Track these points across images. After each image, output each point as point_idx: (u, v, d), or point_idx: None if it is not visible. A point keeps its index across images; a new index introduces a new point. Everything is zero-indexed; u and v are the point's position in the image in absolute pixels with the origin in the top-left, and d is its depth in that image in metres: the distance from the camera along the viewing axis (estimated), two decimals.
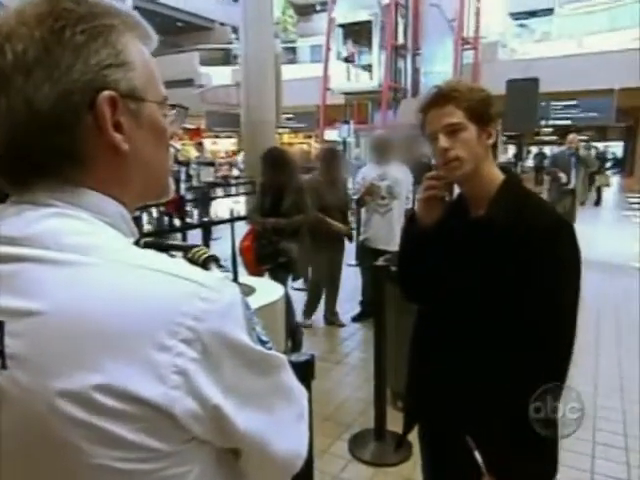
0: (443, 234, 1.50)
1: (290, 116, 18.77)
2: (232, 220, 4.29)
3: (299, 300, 5.29)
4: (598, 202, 15.47)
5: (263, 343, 0.64)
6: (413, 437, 1.77)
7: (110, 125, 0.60)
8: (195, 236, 5.06)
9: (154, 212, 8.73)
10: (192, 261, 0.63)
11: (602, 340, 4.63)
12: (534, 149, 23.45)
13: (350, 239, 5.21)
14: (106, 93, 0.59)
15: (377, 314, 3.15)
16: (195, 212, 10.65)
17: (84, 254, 0.56)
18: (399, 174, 4.87)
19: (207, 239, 4.75)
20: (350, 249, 5.45)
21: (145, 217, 8.22)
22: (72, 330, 0.53)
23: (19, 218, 0.59)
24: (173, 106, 0.72)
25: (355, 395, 3.74)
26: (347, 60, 14.92)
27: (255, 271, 4.26)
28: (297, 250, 4.29)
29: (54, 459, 0.55)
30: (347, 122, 14.12)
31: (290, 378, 0.69)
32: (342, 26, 15.10)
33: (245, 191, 9.15)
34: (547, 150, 20.10)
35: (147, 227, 8.05)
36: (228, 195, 11.15)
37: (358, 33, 15.00)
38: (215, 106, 16.86)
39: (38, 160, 0.59)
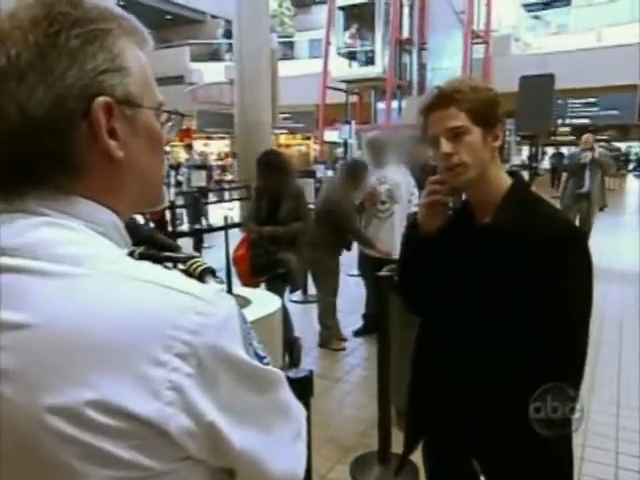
0: (447, 241, 1.52)
1: (287, 116, 18.84)
2: (226, 227, 4.30)
3: (297, 313, 5.31)
4: (602, 208, 15.43)
5: (260, 358, 0.66)
6: (419, 459, 1.79)
7: (105, 131, 0.62)
8: (186, 244, 5.07)
9: (141, 220, 8.76)
10: (188, 273, 0.65)
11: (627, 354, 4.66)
12: (550, 150, 23.50)
13: (349, 248, 5.22)
14: (101, 99, 0.61)
15: (380, 327, 3.16)
16: (185, 219, 10.66)
17: (76, 265, 0.58)
18: (399, 177, 4.88)
19: (199, 248, 4.77)
20: (352, 258, 5.47)
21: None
22: (63, 344, 0.55)
23: (9, 227, 0.61)
24: (169, 112, 0.74)
25: (357, 415, 3.75)
26: (349, 45, 14.92)
27: (250, 282, 4.26)
28: (295, 261, 4.31)
29: (43, 477, 0.57)
30: (348, 122, 14.17)
31: (288, 395, 0.71)
32: (343, 9, 15.13)
33: (239, 196, 9.17)
34: (565, 150, 20.12)
35: None
36: (219, 201, 11.18)
37: (360, 16, 15.03)
38: (207, 105, 16.92)
39: (30, 167, 0.61)
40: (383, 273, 3.41)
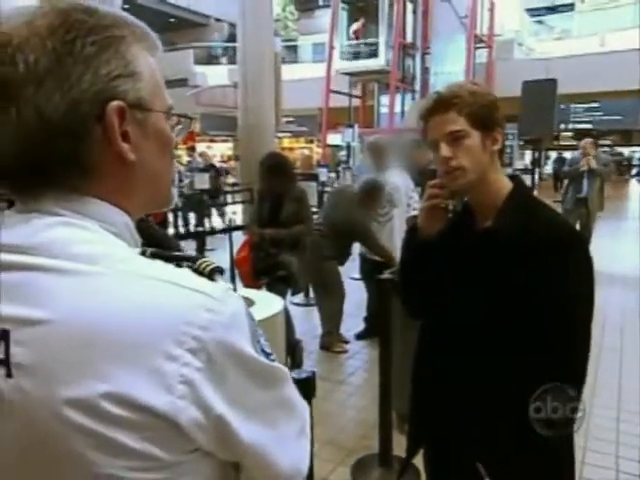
0: (448, 244, 1.53)
1: (290, 119, 18.87)
2: (229, 230, 4.33)
3: (299, 316, 5.32)
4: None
5: (267, 355, 0.68)
6: (420, 462, 1.80)
7: (118, 135, 0.65)
8: (189, 247, 5.09)
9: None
10: (198, 272, 0.67)
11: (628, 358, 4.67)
12: (553, 154, 23.50)
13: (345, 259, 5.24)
14: (115, 103, 0.64)
15: (382, 330, 3.17)
16: (181, 222, 10.68)
17: (91, 263, 0.60)
18: (398, 180, 4.89)
19: (201, 250, 4.79)
20: (354, 261, 5.49)
21: None
22: (79, 339, 0.57)
23: (25, 227, 0.63)
24: (179, 115, 0.77)
25: (359, 417, 3.76)
26: (354, 36, 14.91)
27: (251, 284, 4.28)
28: (297, 263, 4.32)
29: (58, 468, 0.59)
30: (351, 126, 14.20)
31: (293, 392, 0.73)
32: (347, 3, 15.10)
33: (242, 199, 9.19)
34: (568, 155, 20.16)
35: None
36: (220, 204, 11.18)
37: (364, 11, 15.04)
38: (210, 108, 16.96)
39: (46, 169, 0.64)
40: (384, 276, 3.42)
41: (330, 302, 5.02)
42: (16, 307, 0.59)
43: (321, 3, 28.60)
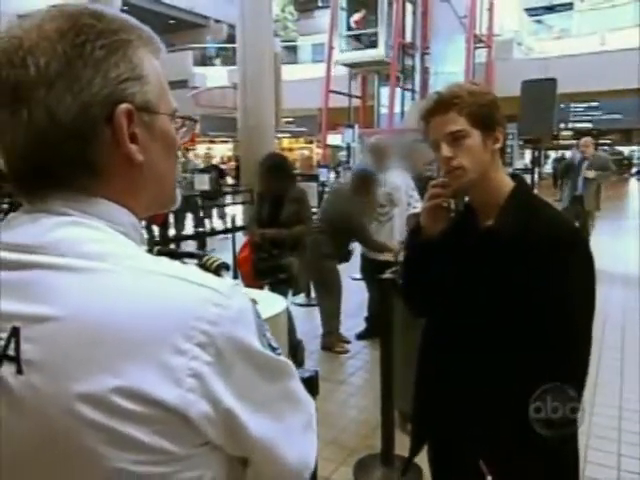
0: (450, 243, 1.54)
1: (290, 120, 18.89)
2: (232, 230, 4.34)
3: (300, 316, 5.33)
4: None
5: (273, 349, 0.69)
6: (422, 462, 1.81)
7: (127, 137, 0.66)
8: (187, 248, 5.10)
9: (142, 223, 8.78)
10: (205, 268, 0.69)
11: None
12: (553, 154, 23.52)
13: (347, 259, 5.24)
14: (123, 106, 0.65)
15: (384, 330, 3.18)
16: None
17: (100, 261, 0.61)
18: (397, 180, 4.91)
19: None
20: (355, 261, 5.49)
21: None
22: (89, 335, 0.58)
23: (34, 226, 0.64)
24: (183, 117, 0.78)
25: (360, 417, 3.77)
26: (355, 25, 14.85)
27: (252, 284, 4.29)
28: (297, 265, 4.33)
29: (69, 463, 0.60)
30: (351, 126, 14.20)
31: (299, 386, 0.74)
32: None
33: (242, 200, 9.19)
34: (568, 154, 20.18)
35: None
36: (220, 205, 11.17)
37: (364, 3, 14.96)
38: (210, 109, 16.97)
39: (55, 170, 0.65)
40: (386, 276, 3.43)
41: (329, 301, 5.04)
42: (26, 305, 0.60)
43: (320, 4, 28.62)
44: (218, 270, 0.69)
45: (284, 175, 4.37)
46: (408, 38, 15.43)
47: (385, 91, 15.68)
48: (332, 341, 4.99)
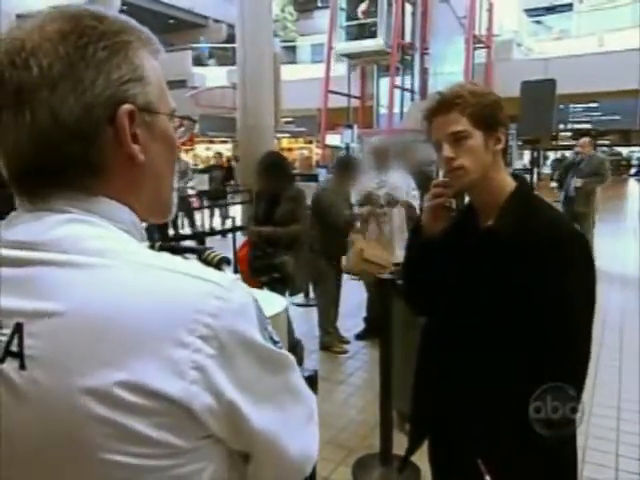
0: (451, 242, 1.55)
1: (289, 120, 18.88)
2: (233, 230, 4.34)
3: (298, 316, 5.33)
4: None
5: (274, 342, 0.70)
6: (420, 461, 1.81)
7: (129, 137, 0.67)
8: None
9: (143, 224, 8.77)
10: (206, 262, 0.69)
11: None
12: (552, 154, 23.53)
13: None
14: (126, 107, 0.66)
15: (383, 331, 3.18)
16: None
17: (101, 256, 0.62)
18: (397, 180, 4.92)
19: None
20: None
21: None
22: (92, 329, 0.59)
23: (36, 224, 0.65)
24: (182, 118, 0.79)
25: (359, 417, 3.78)
26: (362, 16, 14.76)
27: (250, 283, 4.28)
28: (294, 264, 4.33)
29: (73, 457, 0.60)
30: (350, 126, 14.19)
31: (300, 379, 0.75)
32: None
33: (242, 200, 9.20)
34: (567, 155, 20.21)
35: None
36: (221, 205, 11.17)
37: None
38: (209, 109, 16.97)
39: (58, 170, 0.66)
40: (385, 276, 3.44)
41: (323, 299, 5.05)
42: (29, 301, 0.61)
43: (320, 4, 28.62)
44: (219, 264, 0.70)
45: (281, 174, 4.38)
46: (408, 39, 15.43)
47: (384, 92, 15.66)
48: (330, 341, 4.99)
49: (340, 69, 16.48)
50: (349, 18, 15.23)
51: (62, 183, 0.66)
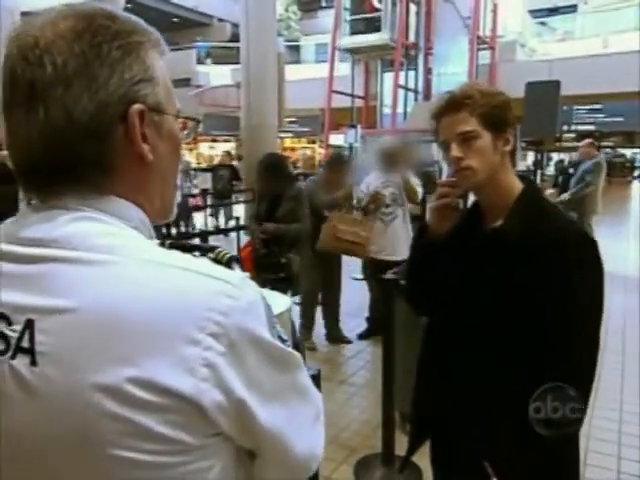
0: (457, 242, 1.54)
1: (293, 119, 18.87)
2: (237, 229, 4.35)
3: (298, 316, 5.34)
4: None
5: (283, 341, 0.71)
6: (420, 461, 1.81)
7: (140, 136, 0.68)
8: None
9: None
10: (217, 261, 0.70)
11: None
12: (555, 156, 23.48)
13: None
14: (137, 106, 0.67)
15: (386, 330, 3.19)
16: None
17: (112, 253, 0.63)
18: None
19: None
20: (356, 261, 5.50)
21: None
22: (103, 326, 0.59)
23: (46, 221, 0.65)
24: (187, 118, 0.80)
25: (361, 417, 3.78)
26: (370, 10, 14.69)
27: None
28: (298, 263, 4.34)
29: (83, 453, 0.61)
30: (354, 126, 14.17)
31: (307, 378, 0.76)
32: None
33: (245, 199, 9.19)
34: (565, 158, 20.17)
35: None
36: (224, 205, 11.17)
37: None
38: (213, 108, 16.98)
39: (70, 168, 0.66)
40: (389, 276, 3.44)
41: (302, 295, 5.02)
42: (40, 297, 0.61)
43: (324, 4, 28.59)
44: (229, 263, 0.70)
45: (282, 174, 4.42)
46: (412, 38, 15.39)
47: (388, 90, 15.61)
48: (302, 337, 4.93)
49: (344, 69, 16.44)
50: (353, 12, 15.13)
51: (73, 181, 0.67)
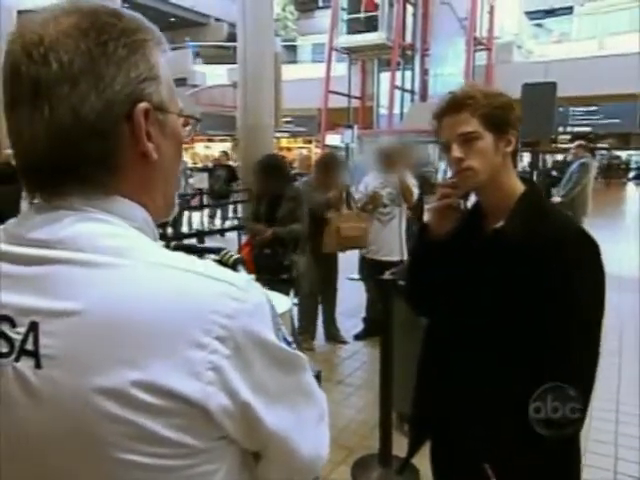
0: (457, 243, 1.54)
1: (289, 119, 18.87)
2: (237, 228, 4.33)
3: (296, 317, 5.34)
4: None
5: (288, 343, 0.70)
6: (419, 462, 1.81)
7: (145, 135, 0.67)
8: None
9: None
10: (222, 263, 0.69)
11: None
12: (550, 157, 23.53)
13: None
14: (142, 105, 0.66)
15: (384, 331, 3.18)
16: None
17: (117, 255, 0.62)
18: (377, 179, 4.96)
19: None
20: (352, 262, 5.50)
21: None
22: (108, 329, 0.58)
23: (51, 222, 0.64)
24: (188, 117, 0.79)
25: (358, 417, 3.78)
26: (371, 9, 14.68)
27: None
28: (302, 264, 4.34)
29: (88, 455, 0.60)
30: (350, 126, 14.18)
31: (312, 379, 0.75)
32: None
33: (242, 199, 9.19)
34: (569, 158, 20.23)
35: None
36: (221, 205, 11.15)
37: None
38: (209, 107, 16.96)
39: (76, 168, 0.65)
40: (386, 276, 3.44)
41: (301, 297, 5.01)
42: (44, 299, 0.60)
43: (321, 4, 28.59)
44: (235, 265, 0.69)
45: (280, 176, 4.42)
46: (409, 39, 15.42)
47: (384, 91, 15.63)
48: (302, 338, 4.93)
49: (341, 69, 16.46)
50: (351, 12, 15.13)
51: (79, 180, 0.66)
